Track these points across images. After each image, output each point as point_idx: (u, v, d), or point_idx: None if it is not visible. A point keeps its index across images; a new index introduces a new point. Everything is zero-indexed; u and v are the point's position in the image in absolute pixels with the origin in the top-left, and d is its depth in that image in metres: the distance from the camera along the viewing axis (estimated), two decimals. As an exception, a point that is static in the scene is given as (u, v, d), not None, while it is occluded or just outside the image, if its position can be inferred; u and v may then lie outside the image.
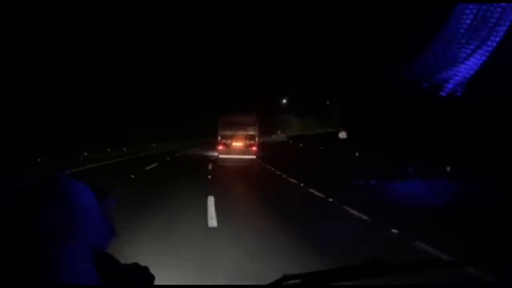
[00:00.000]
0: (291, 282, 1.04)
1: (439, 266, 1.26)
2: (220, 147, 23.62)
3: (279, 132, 61.21)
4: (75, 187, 0.88)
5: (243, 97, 48.96)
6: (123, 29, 37.91)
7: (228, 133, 23.52)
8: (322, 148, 30.45)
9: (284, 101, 40.48)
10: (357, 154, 23.41)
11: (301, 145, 32.22)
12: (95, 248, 0.87)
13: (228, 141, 23.54)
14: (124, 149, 32.87)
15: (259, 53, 57.48)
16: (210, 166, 21.23)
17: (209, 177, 16.44)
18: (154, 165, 21.73)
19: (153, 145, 40.52)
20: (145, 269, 1.05)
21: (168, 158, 27.34)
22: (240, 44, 56.63)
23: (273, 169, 19.61)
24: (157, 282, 1.05)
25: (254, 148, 23.51)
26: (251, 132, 23.63)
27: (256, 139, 23.78)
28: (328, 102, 42.70)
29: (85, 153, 24.67)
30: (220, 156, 23.56)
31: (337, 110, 36.31)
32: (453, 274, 1.29)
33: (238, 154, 23.40)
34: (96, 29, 33.18)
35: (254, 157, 23.45)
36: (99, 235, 0.89)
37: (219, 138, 23.68)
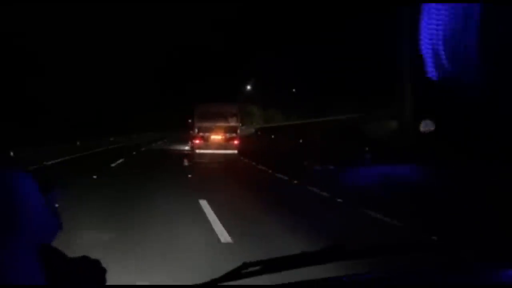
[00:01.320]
0: (250, 269, 1.04)
1: (400, 250, 1.23)
2: (197, 141, 20.64)
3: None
4: (16, 177, 0.82)
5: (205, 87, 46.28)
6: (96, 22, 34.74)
7: (206, 124, 20.58)
8: (300, 141, 27.89)
9: (249, 87, 37.16)
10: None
11: (272, 136, 29.85)
12: (40, 242, 0.81)
13: (206, 134, 20.62)
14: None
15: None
16: (186, 163, 18.30)
17: (190, 176, 13.80)
18: (120, 161, 18.44)
19: (111, 139, 36.91)
20: (96, 262, 0.98)
21: (134, 153, 24.01)
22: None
23: (254, 163, 17.38)
24: None
25: (235, 142, 20.72)
26: (232, 124, 20.78)
27: (238, 131, 20.97)
28: (294, 90, 39.97)
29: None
30: (197, 151, 20.60)
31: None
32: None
33: (218, 148, 20.54)
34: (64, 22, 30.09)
35: (235, 151, 20.63)
36: (44, 229, 0.85)
37: (196, 130, 20.70)
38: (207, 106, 21.03)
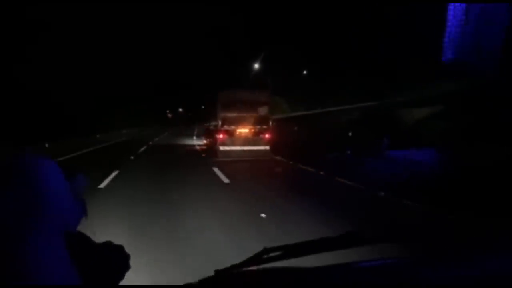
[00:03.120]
0: (271, 254, 1.06)
1: (416, 238, 1.22)
2: (221, 136, 17.02)
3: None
4: (40, 165, 0.81)
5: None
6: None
7: (233, 115, 16.97)
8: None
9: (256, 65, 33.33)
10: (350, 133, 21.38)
11: (295, 128, 26.47)
12: (64, 228, 0.80)
13: (232, 127, 17.02)
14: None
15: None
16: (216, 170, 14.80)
17: (227, 181, 10.46)
18: (114, 174, 14.70)
19: (97, 135, 32.95)
20: (120, 248, 0.97)
21: (142, 149, 20.34)
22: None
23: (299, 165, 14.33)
24: None
25: (267, 136, 17.14)
26: (263, 114, 17.19)
27: (270, 123, 17.40)
28: (305, 72, 36.29)
29: None
30: (221, 148, 16.98)
31: None
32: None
33: (246, 144, 17.00)
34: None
35: (267, 147, 17.08)
36: (68, 215, 0.83)
37: (219, 122, 17.03)
38: (233, 93, 17.39)
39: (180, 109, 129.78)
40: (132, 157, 17.25)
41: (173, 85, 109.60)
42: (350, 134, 20.99)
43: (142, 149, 22.01)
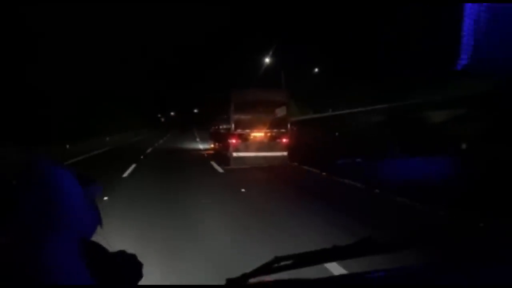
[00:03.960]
0: (282, 263, 1.04)
1: (428, 243, 1.24)
2: (233, 141, 15.16)
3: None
4: (57, 171, 0.81)
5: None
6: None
7: (247, 117, 15.13)
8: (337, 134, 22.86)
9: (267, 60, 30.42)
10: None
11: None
12: (80, 237, 0.81)
13: (246, 131, 15.18)
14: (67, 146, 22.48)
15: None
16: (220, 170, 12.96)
17: (243, 190, 9.56)
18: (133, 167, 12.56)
19: (67, 146, 29.72)
20: (133, 257, 0.99)
21: (141, 157, 18.35)
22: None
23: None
24: None
25: (284, 140, 15.33)
26: (281, 115, 15.37)
27: (289, 125, 15.60)
28: (316, 70, 34.25)
29: None
30: (234, 154, 15.12)
31: None
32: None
33: (262, 150, 15.18)
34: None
35: (285, 153, 15.26)
36: (84, 223, 0.84)
37: (232, 126, 15.16)
38: (247, 93, 15.54)
39: (172, 113, 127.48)
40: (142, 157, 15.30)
41: (165, 87, 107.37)
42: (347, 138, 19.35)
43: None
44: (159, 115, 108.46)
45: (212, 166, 15.39)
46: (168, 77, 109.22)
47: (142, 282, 0.96)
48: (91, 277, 0.76)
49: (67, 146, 22.25)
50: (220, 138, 18.34)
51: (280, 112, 15.37)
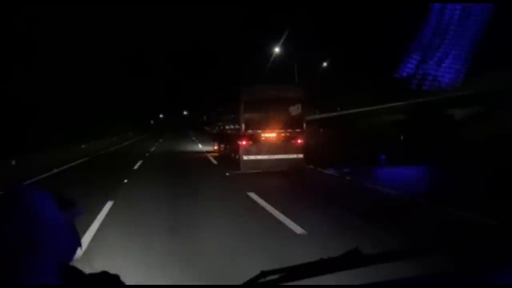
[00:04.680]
0: (268, 278, 1.01)
1: (418, 254, 1.18)
2: (244, 142, 13.75)
3: None
4: (35, 197, 0.82)
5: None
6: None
7: (259, 116, 13.75)
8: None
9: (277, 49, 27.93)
10: None
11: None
12: (60, 262, 0.80)
13: (258, 131, 13.78)
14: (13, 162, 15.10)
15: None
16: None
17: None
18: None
19: (83, 146, 26.41)
20: (116, 277, 0.97)
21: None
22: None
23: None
24: None
25: (299, 141, 13.95)
26: (295, 114, 13.99)
27: (304, 125, 14.23)
28: (325, 64, 32.31)
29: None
30: (244, 157, 13.71)
31: None
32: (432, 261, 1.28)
33: (275, 152, 13.78)
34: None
35: (300, 155, 13.85)
36: (63, 248, 0.83)
37: (242, 126, 13.74)
38: (258, 90, 14.14)
39: (161, 115, 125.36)
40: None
41: (155, 89, 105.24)
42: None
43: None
44: (151, 121, 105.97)
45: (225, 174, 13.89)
46: (158, 78, 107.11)
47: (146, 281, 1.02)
48: None
49: (13, 162, 15.25)
50: (227, 139, 16.89)
51: (295, 110, 13.99)
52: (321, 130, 21.45)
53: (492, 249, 1.22)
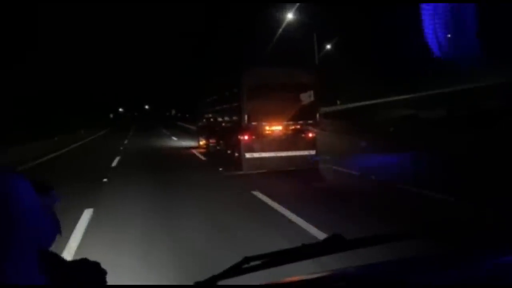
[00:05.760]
0: (252, 263, 1.02)
1: (397, 239, 1.16)
2: (245, 137, 11.35)
3: None
4: (12, 181, 0.80)
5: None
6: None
7: (265, 105, 11.31)
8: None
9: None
10: None
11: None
12: (39, 247, 0.80)
13: (264, 123, 11.41)
14: None
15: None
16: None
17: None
18: None
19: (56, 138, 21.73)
20: (96, 265, 0.97)
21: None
22: None
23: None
24: None
25: (311, 135, 11.69)
26: (306, 102, 11.65)
27: (317, 116, 11.95)
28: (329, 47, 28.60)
29: None
30: (247, 155, 11.29)
31: None
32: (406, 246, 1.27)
33: (282, 148, 11.45)
34: None
35: (312, 152, 11.54)
36: (42, 233, 0.83)
37: (245, 116, 11.29)
38: (264, 73, 11.61)
39: (121, 109, 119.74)
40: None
41: (112, 81, 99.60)
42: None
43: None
44: (110, 115, 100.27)
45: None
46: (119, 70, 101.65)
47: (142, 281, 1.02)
48: (45, 283, 0.76)
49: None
50: (220, 133, 14.29)
51: (307, 98, 11.63)
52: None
53: (469, 232, 1.20)
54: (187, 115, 67.73)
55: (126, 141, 27.27)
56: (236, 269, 1.00)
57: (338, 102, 23.32)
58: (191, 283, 0.98)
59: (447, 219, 4.94)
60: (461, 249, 1.12)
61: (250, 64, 12.05)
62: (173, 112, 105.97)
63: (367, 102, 20.39)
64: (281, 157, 11.38)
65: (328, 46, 22.77)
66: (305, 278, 1.04)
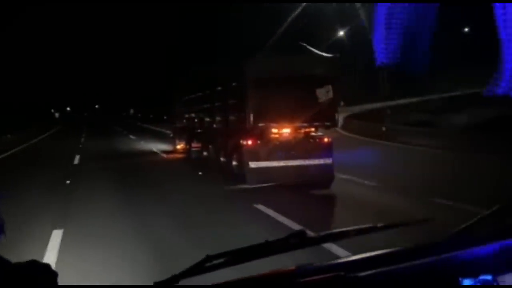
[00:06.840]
0: (214, 262, 1.01)
1: (362, 233, 1.17)
2: (250, 141, 9.05)
3: None
4: None
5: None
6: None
7: (274, 102, 9.02)
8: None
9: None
10: None
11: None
12: None
13: (272, 125, 9.20)
14: None
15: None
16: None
17: None
18: None
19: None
20: (46, 267, 0.93)
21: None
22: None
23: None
24: None
25: (326, 139, 9.53)
26: (324, 99, 9.42)
27: (337, 116, 9.82)
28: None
29: None
30: (253, 164, 9.01)
31: None
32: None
33: (293, 156, 9.23)
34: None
35: (329, 161, 9.34)
36: None
37: (250, 117, 8.94)
38: (272, 63, 9.18)
39: (68, 108, 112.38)
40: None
41: (56, 78, 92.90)
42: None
43: None
44: (52, 110, 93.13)
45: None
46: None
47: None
48: None
49: None
50: (209, 136, 11.71)
51: (324, 94, 9.40)
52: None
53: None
54: (151, 116, 62.25)
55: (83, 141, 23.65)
56: (198, 268, 0.99)
57: (342, 103, 21.56)
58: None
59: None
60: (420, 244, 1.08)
61: (254, 51, 9.63)
62: (132, 111, 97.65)
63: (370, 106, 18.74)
64: (293, 167, 9.15)
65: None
66: (266, 273, 0.99)
